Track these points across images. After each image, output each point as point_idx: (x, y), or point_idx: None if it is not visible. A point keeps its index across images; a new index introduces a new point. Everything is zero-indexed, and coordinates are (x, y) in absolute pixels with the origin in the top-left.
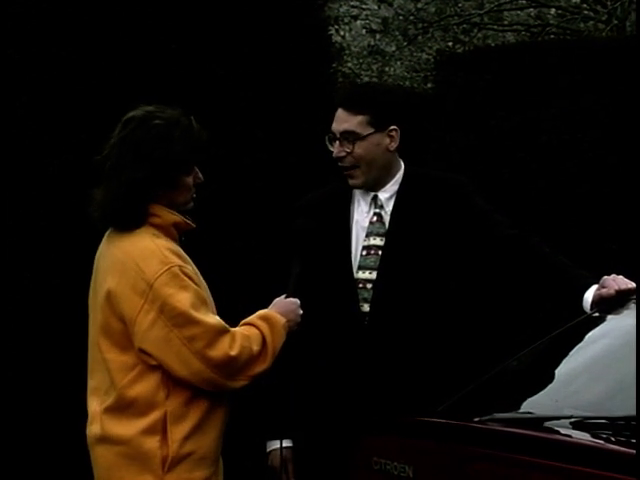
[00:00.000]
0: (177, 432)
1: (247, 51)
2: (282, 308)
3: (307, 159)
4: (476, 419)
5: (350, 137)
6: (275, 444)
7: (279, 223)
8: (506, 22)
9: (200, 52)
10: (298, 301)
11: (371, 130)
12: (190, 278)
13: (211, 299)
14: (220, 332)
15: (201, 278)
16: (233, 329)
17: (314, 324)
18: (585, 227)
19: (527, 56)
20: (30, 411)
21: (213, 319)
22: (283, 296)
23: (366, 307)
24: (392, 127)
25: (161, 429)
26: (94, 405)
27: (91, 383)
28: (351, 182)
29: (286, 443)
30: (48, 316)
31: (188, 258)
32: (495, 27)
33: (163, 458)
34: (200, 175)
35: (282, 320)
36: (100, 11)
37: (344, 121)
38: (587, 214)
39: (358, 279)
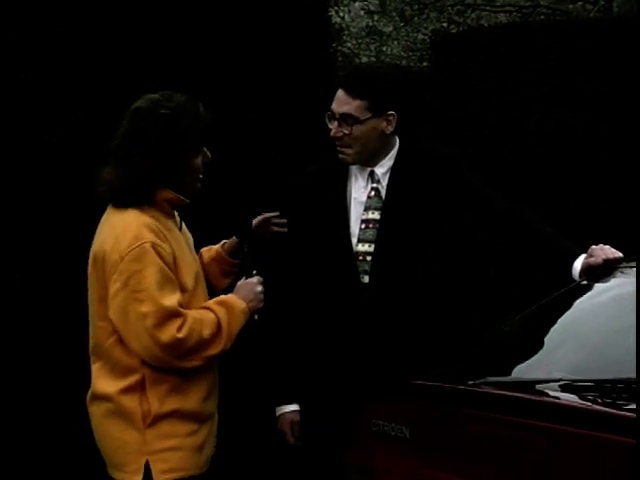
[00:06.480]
0: (155, 392)
1: (247, 32)
2: (242, 292)
3: (308, 139)
4: (470, 382)
5: (349, 120)
6: (283, 409)
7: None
8: (498, 3)
9: (198, 33)
10: (256, 279)
11: (369, 115)
12: (162, 257)
13: (198, 279)
14: (171, 315)
15: (186, 258)
16: (187, 312)
17: (315, 296)
18: (578, 204)
19: (518, 36)
20: (29, 400)
21: (170, 301)
22: (243, 278)
23: (366, 279)
24: (390, 112)
25: (139, 389)
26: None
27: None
28: (341, 157)
29: (293, 407)
30: (45, 305)
31: (176, 236)
32: (488, 8)
33: (144, 414)
34: (208, 153)
35: (241, 305)
36: None
37: (344, 103)
38: (580, 192)
39: (358, 252)
